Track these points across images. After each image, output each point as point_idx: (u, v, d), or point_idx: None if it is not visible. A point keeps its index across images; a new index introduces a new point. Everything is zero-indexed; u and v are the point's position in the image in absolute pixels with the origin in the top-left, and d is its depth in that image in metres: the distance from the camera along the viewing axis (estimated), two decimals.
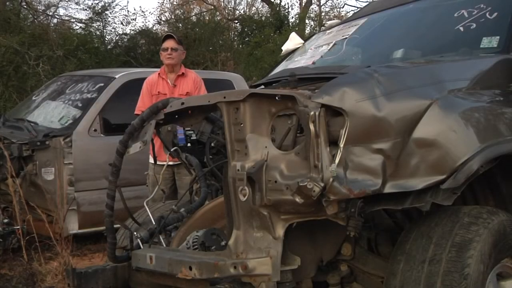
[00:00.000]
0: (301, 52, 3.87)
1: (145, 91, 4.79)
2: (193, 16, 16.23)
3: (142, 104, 4.61)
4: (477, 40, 2.88)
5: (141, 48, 13.56)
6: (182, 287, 2.50)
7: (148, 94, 4.75)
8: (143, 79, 5.08)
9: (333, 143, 2.10)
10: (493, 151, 2.25)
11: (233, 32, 16.57)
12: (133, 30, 13.99)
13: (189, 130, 3.00)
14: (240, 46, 15.48)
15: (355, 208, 2.09)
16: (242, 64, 13.86)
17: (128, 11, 21.34)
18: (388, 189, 2.12)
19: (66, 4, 13.91)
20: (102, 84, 5.61)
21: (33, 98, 6.35)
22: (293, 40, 4.12)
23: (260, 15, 17.02)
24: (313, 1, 18.55)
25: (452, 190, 2.17)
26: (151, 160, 4.15)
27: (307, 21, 17.26)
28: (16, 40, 10.09)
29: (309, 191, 2.03)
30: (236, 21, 16.95)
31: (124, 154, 2.75)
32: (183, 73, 4.83)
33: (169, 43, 4.77)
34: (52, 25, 13.13)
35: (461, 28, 2.98)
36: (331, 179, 2.03)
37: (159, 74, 4.84)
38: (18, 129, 5.43)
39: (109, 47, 13.13)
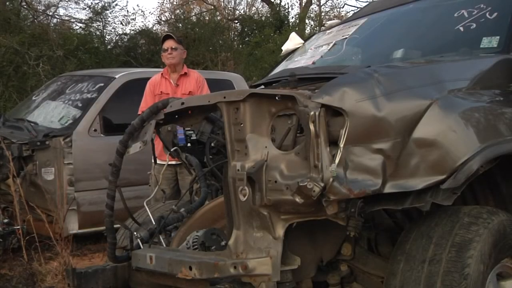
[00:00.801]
0: (301, 52, 3.87)
1: (148, 92, 4.81)
2: (193, 16, 16.23)
3: (145, 105, 4.62)
4: (477, 40, 2.88)
5: (141, 48, 13.57)
6: (182, 287, 2.50)
7: (151, 94, 4.77)
8: (143, 79, 5.10)
9: (333, 143, 2.10)
10: (493, 151, 2.25)
11: (233, 32, 16.57)
12: (133, 30, 14.03)
13: (189, 130, 3.00)
14: (240, 46, 15.48)
15: (355, 208, 2.09)
16: (242, 64, 13.86)
17: (127, 11, 21.33)
18: (388, 189, 2.12)
19: (66, 4, 13.95)
20: (102, 84, 5.62)
21: (33, 98, 6.35)
22: (293, 40, 4.11)
23: (260, 15, 17.02)
24: (313, 1, 18.55)
25: (452, 190, 2.16)
26: None
27: (307, 21, 17.27)
28: (16, 40, 10.09)
29: (309, 191, 2.03)
30: (236, 21, 16.95)
31: (124, 154, 2.75)
32: (185, 73, 4.85)
33: (169, 43, 4.78)
34: (52, 25, 13.14)
35: (461, 28, 2.98)
36: (331, 179, 2.03)
37: (162, 74, 4.87)
38: (18, 129, 5.43)
39: (109, 47, 13.14)
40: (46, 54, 10.30)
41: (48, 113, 5.73)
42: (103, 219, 2.78)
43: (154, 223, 2.82)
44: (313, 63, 3.45)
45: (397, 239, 2.35)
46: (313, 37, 4.20)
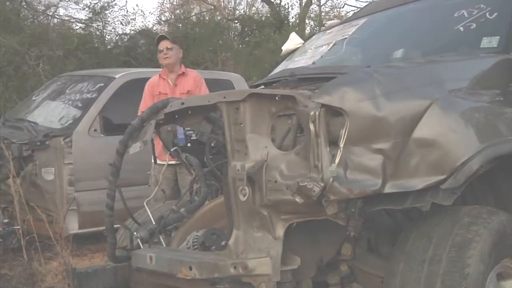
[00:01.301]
0: (301, 52, 3.87)
1: (147, 93, 4.83)
2: (193, 16, 16.23)
3: (145, 106, 4.62)
4: (477, 40, 2.88)
5: (141, 48, 13.54)
6: (182, 287, 2.50)
7: (150, 95, 4.79)
8: (143, 79, 5.10)
9: (333, 143, 2.10)
10: (493, 151, 2.25)
11: (233, 32, 16.56)
12: (133, 30, 14.01)
13: (189, 130, 3.00)
14: (240, 46, 15.47)
15: (355, 208, 2.09)
16: (242, 64, 13.84)
17: (127, 10, 21.27)
18: (388, 189, 2.12)
19: (66, 4, 13.90)
20: (102, 84, 5.62)
21: (33, 98, 6.35)
22: (293, 40, 4.12)
23: (260, 15, 17.01)
24: (313, 1, 18.53)
25: (452, 190, 2.16)
26: None
27: (307, 21, 17.27)
28: (16, 40, 10.08)
29: (309, 191, 2.03)
30: (236, 21, 16.94)
31: (124, 154, 2.75)
32: (183, 72, 4.87)
33: (163, 44, 4.81)
34: (52, 25, 13.12)
35: (461, 28, 2.98)
36: (331, 179, 2.03)
37: (160, 75, 4.89)
38: (18, 129, 5.43)
39: (109, 47, 13.11)
40: (46, 54, 10.28)
41: (48, 113, 5.73)
42: (103, 219, 2.78)
43: (154, 223, 2.82)
44: (313, 63, 3.45)
45: (397, 239, 2.35)
46: (313, 37, 4.20)
